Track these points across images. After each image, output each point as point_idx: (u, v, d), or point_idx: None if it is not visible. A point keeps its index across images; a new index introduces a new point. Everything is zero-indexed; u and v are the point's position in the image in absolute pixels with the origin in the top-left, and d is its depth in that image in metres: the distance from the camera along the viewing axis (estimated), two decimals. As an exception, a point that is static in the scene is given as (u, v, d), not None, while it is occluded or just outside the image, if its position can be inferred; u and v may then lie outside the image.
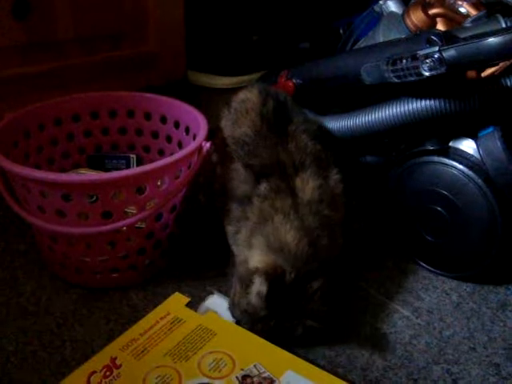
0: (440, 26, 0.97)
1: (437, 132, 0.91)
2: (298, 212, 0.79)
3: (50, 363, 0.75)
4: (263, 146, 0.85)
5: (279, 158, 0.84)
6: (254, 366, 0.72)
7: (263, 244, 0.78)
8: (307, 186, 0.82)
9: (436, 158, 0.89)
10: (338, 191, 0.85)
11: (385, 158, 1.04)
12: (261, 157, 0.84)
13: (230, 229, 0.85)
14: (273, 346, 0.75)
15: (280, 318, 0.76)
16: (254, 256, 0.78)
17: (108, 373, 0.70)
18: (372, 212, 1.03)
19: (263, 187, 0.81)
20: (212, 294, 0.85)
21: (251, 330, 0.77)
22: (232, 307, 0.79)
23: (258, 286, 0.73)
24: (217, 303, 0.83)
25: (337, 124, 0.99)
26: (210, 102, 1.29)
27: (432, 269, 0.95)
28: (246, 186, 0.83)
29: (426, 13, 0.97)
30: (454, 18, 0.97)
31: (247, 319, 0.77)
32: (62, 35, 1.11)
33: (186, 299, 0.84)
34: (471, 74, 0.88)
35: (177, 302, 0.83)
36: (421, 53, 0.80)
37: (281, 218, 0.78)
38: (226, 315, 0.80)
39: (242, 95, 0.94)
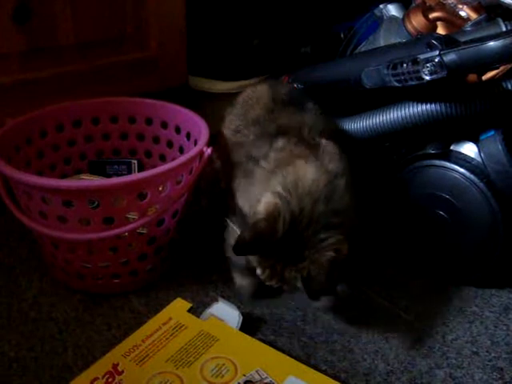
0: (440, 30, 0.97)
1: (438, 135, 0.91)
2: (319, 157, 0.77)
3: (51, 369, 0.75)
4: (280, 114, 0.85)
5: (298, 121, 0.83)
6: (256, 371, 0.72)
7: (278, 182, 0.74)
8: (328, 146, 0.80)
9: (437, 162, 0.89)
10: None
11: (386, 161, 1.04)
12: (278, 121, 0.84)
13: (240, 184, 0.82)
14: (275, 351, 0.75)
15: (277, 263, 0.72)
16: (264, 196, 0.73)
17: (110, 379, 0.70)
18: (375, 216, 1.03)
19: (280, 142, 0.80)
20: (217, 301, 0.85)
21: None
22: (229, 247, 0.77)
23: (245, 231, 0.71)
24: (221, 310, 0.83)
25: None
26: (211, 107, 1.28)
27: (434, 273, 0.95)
28: (263, 148, 0.81)
29: (426, 17, 0.97)
30: (454, 22, 0.97)
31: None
32: (63, 40, 1.11)
33: (188, 305, 0.84)
34: (472, 77, 0.88)
35: (178, 307, 0.83)
36: (421, 57, 0.80)
37: (301, 161, 0.75)
38: (231, 322, 0.80)
39: (249, 90, 0.95)
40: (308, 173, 0.74)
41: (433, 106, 0.85)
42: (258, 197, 0.75)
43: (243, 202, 0.80)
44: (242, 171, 0.84)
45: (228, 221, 0.82)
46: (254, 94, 0.92)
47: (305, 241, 0.71)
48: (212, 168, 0.92)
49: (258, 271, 0.74)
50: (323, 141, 0.81)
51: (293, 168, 0.75)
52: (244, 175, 0.82)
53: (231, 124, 0.92)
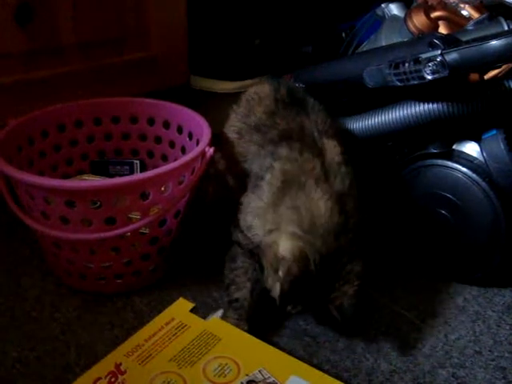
0: (442, 29, 0.97)
1: (440, 135, 0.91)
2: (326, 172, 0.77)
3: (54, 369, 0.75)
4: (281, 118, 0.85)
5: (300, 124, 0.83)
6: (259, 371, 0.72)
7: (293, 221, 0.74)
8: (333, 146, 0.80)
9: (439, 161, 0.89)
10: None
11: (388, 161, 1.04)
12: (280, 126, 0.84)
13: (248, 201, 0.81)
14: (277, 350, 0.75)
15: (310, 302, 0.75)
16: (282, 240, 0.74)
17: (113, 379, 0.70)
18: (377, 214, 1.03)
19: (284, 150, 0.79)
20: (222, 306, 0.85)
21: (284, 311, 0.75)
22: (268, 287, 0.77)
23: (280, 281, 0.72)
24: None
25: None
26: (213, 107, 1.28)
27: (436, 272, 0.95)
28: (266, 161, 0.81)
29: (428, 16, 0.97)
30: (456, 21, 0.97)
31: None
32: (65, 41, 1.11)
33: (191, 304, 0.84)
34: (474, 76, 0.88)
35: (181, 307, 0.83)
36: (423, 56, 0.80)
37: (310, 182, 0.75)
38: None
39: (253, 89, 0.95)
40: (321, 208, 0.74)
41: (435, 105, 0.85)
42: (270, 227, 0.76)
43: (251, 219, 0.80)
44: (249, 184, 0.84)
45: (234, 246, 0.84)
46: (256, 95, 0.92)
47: (335, 274, 0.74)
48: (215, 169, 0.92)
49: (290, 307, 0.75)
50: (327, 143, 0.80)
51: (304, 200, 0.75)
52: (252, 190, 0.82)
53: (234, 126, 0.92)
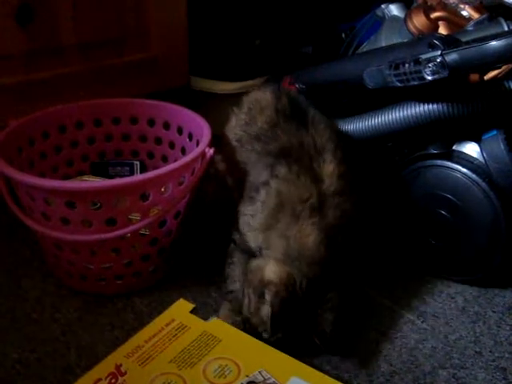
0: (442, 30, 0.97)
1: (440, 135, 0.91)
2: (321, 203, 0.77)
3: (54, 370, 0.75)
4: (282, 131, 0.85)
5: (300, 140, 0.83)
6: (259, 372, 0.72)
7: (282, 249, 0.77)
8: (331, 171, 0.80)
9: (439, 162, 0.89)
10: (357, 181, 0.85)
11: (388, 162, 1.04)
12: (280, 140, 0.84)
13: (245, 210, 0.83)
14: (278, 351, 0.75)
15: (294, 328, 0.75)
16: (269, 264, 0.76)
17: (113, 380, 0.70)
18: (377, 215, 1.03)
19: (282, 168, 0.80)
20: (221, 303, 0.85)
21: (265, 339, 0.76)
22: (248, 314, 0.78)
23: (268, 305, 0.73)
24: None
25: (341, 128, 0.99)
26: (213, 108, 1.28)
27: (437, 272, 0.95)
28: (264, 174, 0.82)
29: (427, 16, 0.97)
30: (456, 22, 0.97)
31: (261, 328, 0.76)
32: (65, 41, 1.11)
33: (191, 305, 0.84)
34: (474, 77, 0.88)
35: (181, 308, 0.83)
36: (423, 57, 0.80)
37: (304, 214, 0.77)
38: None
39: (254, 95, 0.94)
40: (310, 241, 0.76)
41: (435, 105, 0.85)
42: (261, 245, 0.79)
43: (246, 229, 0.82)
44: (245, 191, 0.85)
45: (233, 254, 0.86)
46: (258, 103, 0.91)
47: (318, 301, 0.75)
48: (216, 169, 0.92)
49: (266, 335, 0.76)
50: (325, 167, 0.81)
51: (295, 231, 0.76)
52: (248, 200, 0.83)
53: (235, 133, 0.92)
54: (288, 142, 0.83)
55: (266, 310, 0.74)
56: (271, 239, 0.78)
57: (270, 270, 0.76)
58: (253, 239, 0.81)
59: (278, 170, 0.80)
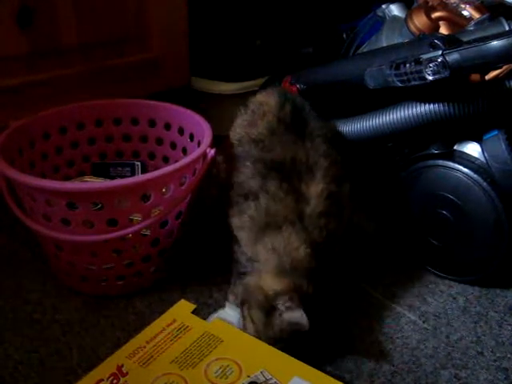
0: (443, 30, 0.97)
1: (441, 135, 0.91)
2: (305, 224, 0.79)
3: (56, 371, 0.75)
4: (279, 142, 0.86)
5: (293, 155, 0.83)
6: (261, 372, 0.72)
7: (274, 265, 0.78)
8: (318, 191, 0.81)
9: (441, 162, 0.89)
10: (347, 199, 0.85)
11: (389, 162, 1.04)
12: (275, 151, 0.84)
13: (234, 221, 0.85)
14: (279, 352, 0.75)
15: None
16: (267, 280, 0.77)
17: (115, 381, 0.70)
18: (381, 215, 1.03)
19: (272, 184, 0.81)
20: (222, 304, 0.85)
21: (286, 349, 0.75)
22: (254, 334, 0.77)
23: (291, 310, 0.73)
24: (229, 315, 0.83)
25: (342, 129, 0.99)
26: (214, 108, 1.29)
27: (438, 273, 0.95)
28: (254, 182, 0.83)
29: (428, 16, 0.97)
30: (457, 22, 0.97)
31: (281, 343, 0.76)
32: (66, 42, 1.11)
33: (192, 306, 0.84)
34: (475, 77, 0.88)
35: (182, 308, 0.83)
36: (424, 57, 0.80)
37: (290, 230, 0.78)
38: (238, 326, 0.80)
39: (260, 97, 0.94)
40: (301, 253, 0.77)
41: (436, 105, 0.85)
42: (251, 256, 0.81)
43: (241, 236, 0.83)
44: (234, 194, 0.86)
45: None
46: (261, 107, 0.91)
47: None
48: (218, 170, 0.92)
49: (251, 330, 0.77)
50: (313, 188, 0.81)
51: (283, 244, 0.78)
52: (237, 209, 0.84)
53: (237, 132, 0.92)
54: (282, 156, 0.84)
55: (281, 321, 0.74)
56: (261, 254, 0.79)
57: (272, 282, 0.76)
58: (246, 249, 0.82)
59: (269, 186, 0.81)
